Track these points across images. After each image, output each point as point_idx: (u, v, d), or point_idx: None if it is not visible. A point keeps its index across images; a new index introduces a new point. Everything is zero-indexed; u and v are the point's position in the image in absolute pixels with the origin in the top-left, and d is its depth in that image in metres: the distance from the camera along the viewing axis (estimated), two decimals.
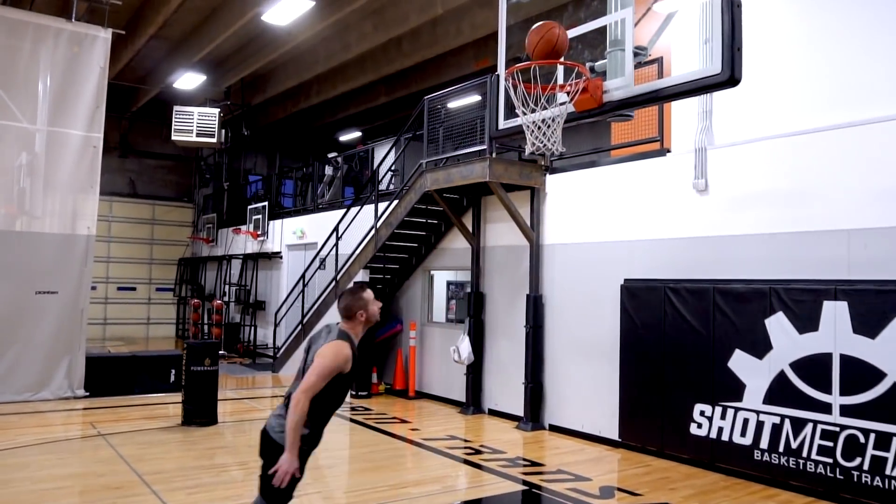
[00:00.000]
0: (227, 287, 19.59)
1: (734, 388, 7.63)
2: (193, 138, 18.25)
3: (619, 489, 7.02)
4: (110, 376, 11.67)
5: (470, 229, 11.26)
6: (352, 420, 10.29)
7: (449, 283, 13.29)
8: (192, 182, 24.14)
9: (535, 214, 10.19)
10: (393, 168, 14.78)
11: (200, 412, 9.45)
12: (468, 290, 12.85)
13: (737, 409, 7.60)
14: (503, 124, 5.78)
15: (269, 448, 4.06)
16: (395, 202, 11.80)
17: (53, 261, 11.14)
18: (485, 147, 9.88)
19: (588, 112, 4.91)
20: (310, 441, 4.11)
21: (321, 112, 21.12)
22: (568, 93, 4.86)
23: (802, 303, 7.12)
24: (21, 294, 10.87)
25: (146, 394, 11.62)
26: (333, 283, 13.20)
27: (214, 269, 21.33)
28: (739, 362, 7.61)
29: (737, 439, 7.57)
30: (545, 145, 5.01)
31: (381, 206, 12.33)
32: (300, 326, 14.22)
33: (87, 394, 11.27)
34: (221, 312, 17.57)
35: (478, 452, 8.40)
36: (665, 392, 8.28)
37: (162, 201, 23.34)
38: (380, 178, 12.73)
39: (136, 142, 23.04)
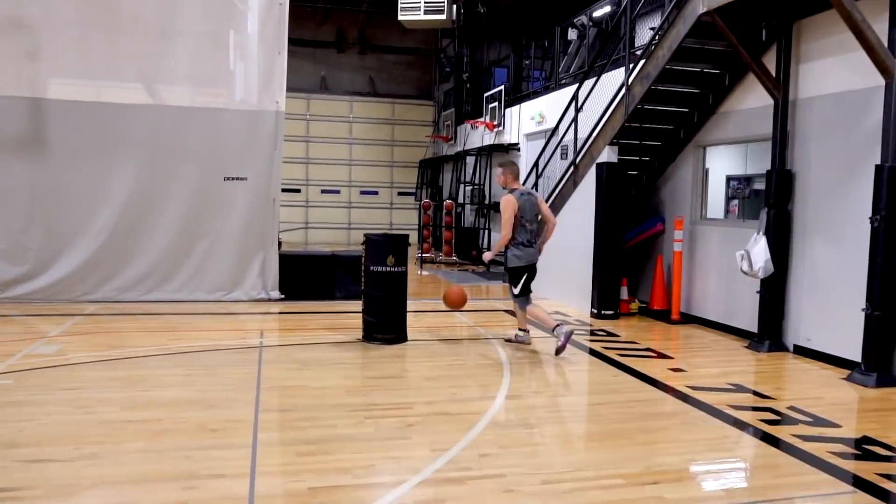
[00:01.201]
0: (462, 187, 17.46)
1: None
2: (421, 16, 16.05)
3: None
4: (308, 278, 10.07)
5: (773, 74, 7.34)
6: (586, 348, 7.35)
7: (729, 179, 9.39)
8: (433, 77, 22.23)
9: None
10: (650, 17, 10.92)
11: (383, 326, 7.21)
12: (756, 186, 8.92)
13: None
14: None
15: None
16: (653, 49, 8.20)
17: (240, 142, 9.56)
18: None
19: None
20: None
21: None
22: None
23: None
24: (208, 181, 9.48)
25: (348, 300, 9.81)
26: (572, 167, 10.08)
27: (451, 169, 19.36)
28: None
29: None
30: None
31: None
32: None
33: (283, 296, 9.75)
34: (452, 213, 15.48)
35: (785, 421, 4.99)
36: None
37: (402, 99, 21.81)
38: (625, 18, 9.15)
39: (375, 36, 21.57)
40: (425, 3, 15.71)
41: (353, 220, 21.49)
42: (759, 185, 9.02)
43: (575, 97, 10.08)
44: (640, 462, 4.14)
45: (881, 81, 6.18)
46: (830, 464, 4.22)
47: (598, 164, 9.17)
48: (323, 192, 21.18)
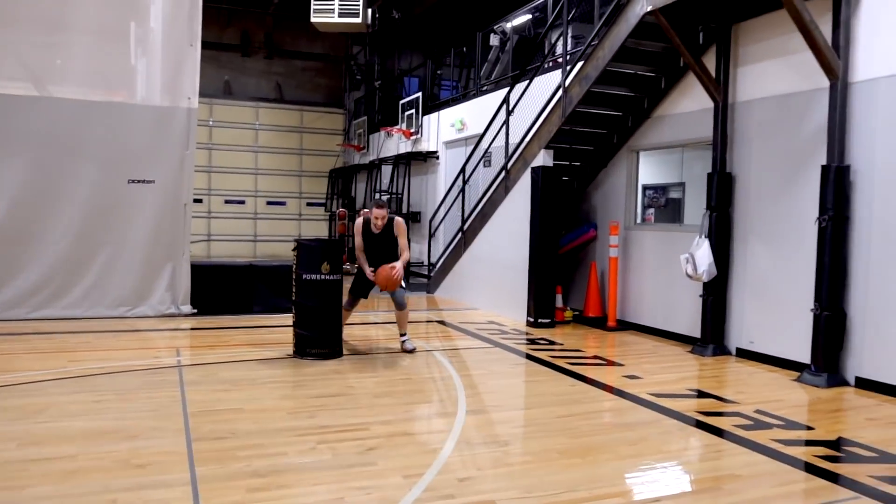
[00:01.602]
0: (378, 196, 16.90)
1: None
2: (336, 19, 15.41)
3: None
4: (223, 290, 9.23)
5: (713, 77, 7.31)
6: (533, 358, 7.01)
7: (645, 188, 9.34)
8: (343, 85, 21.59)
9: (840, 32, 6.05)
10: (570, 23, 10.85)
11: (317, 340, 6.58)
12: (671, 195, 8.95)
13: None
14: None
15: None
16: (593, 50, 8.05)
17: (147, 142, 8.66)
18: None
19: None
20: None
21: None
22: None
23: None
24: (109, 183, 8.52)
25: (268, 313, 9.07)
26: (504, 172, 9.80)
27: (365, 178, 18.77)
28: None
29: None
30: None
31: (558, 75, 8.65)
32: (461, 234, 11.08)
33: (195, 311, 8.89)
34: None
35: (758, 426, 4.80)
36: None
37: (311, 107, 20.98)
38: (564, 20, 8.99)
39: (283, 41, 20.71)
40: (340, 5, 15.13)
41: (260, 232, 20.43)
42: (675, 194, 9.05)
43: (506, 100, 9.82)
44: (632, 476, 3.81)
45: (822, 83, 6.23)
46: (821, 468, 4.03)
47: (533, 168, 8.92)
48: (227, 202, 20.02)
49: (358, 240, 6.99)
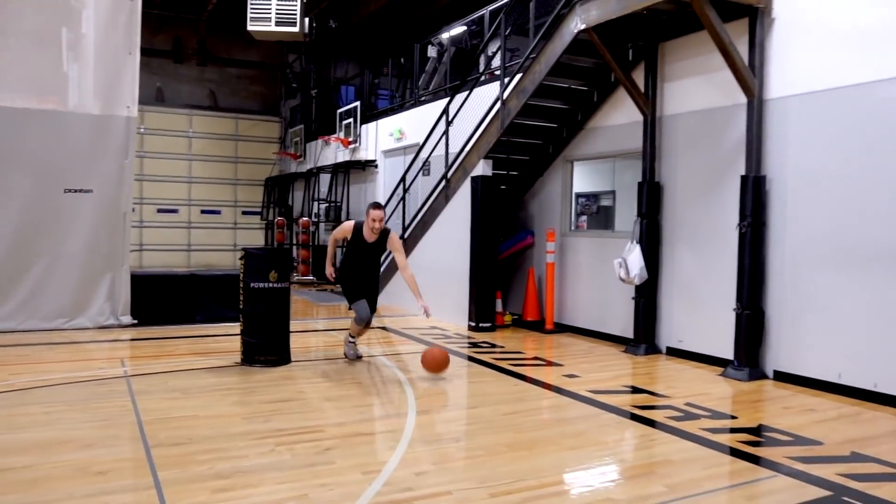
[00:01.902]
0: (316, 205, 16.94)
1: None
2: (272, 28, 15.37)
3: None
4: (164, 301, 9.14)
5: (642, 91, 7.77)
6: (477, 360, 7.27)
7: (578, 196, 9.78)
8: (279, 93, 21.49)
9: (756, 53, 6.58)
10: (508, 38, 11.23)
11: (266, 347, 6.67)
12: (603, 202, 9.43)
13: None
14: None
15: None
16: (528, 66, 8.41)
17: (84, 150, 8.54)
18: None
19: None
20: (344, 276, 6.80)
21: (420, 1, 17.73)
22: None
23: None
24: (44, 192, 8.36)
25: (211, 322, 9.05)
26: (444, 181, 10.07)
27: (303, 186, 18.74)
28: None
29: None
30: None
31: (496, 87, 8.99)
32: (402, 242, 11.25)
33: (136, 322, 8.79)
34: (309, 232, 14.93)
35: (688, 417, 5.19)
36: None
37: (246, 114, 20.85)
38: (502, 36, 9.34)
39: (216, 48, 20.49)
40: (277, 14, 15.13)
41: (194, 242, 20.12)
42: (607, 202, 9.54)
43: (446, 111, 10.10)
44: (576, 466, 4.10)
45: (741, 100, 6.74)
46: (744, 452, 4.42)
47: (472, 178, 9.21)
48: (159, 211, 19.65)
49: (331, 247, 6.91)
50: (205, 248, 20.08)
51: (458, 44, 13.54)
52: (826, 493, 3.75)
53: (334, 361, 7.10)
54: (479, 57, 10.62)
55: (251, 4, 15.24)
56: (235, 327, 8.22)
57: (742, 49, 6.61)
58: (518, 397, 5.81)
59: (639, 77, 7.88)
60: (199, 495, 3.52)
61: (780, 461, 4.23)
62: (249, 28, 15.33)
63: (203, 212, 20.23)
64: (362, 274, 6.70)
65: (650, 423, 5.07)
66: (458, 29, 13.26)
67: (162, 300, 9.15)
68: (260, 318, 6.64)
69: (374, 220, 6.49)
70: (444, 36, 13.41)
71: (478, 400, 5.84)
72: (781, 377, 6.47)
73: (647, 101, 7.70)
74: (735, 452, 4.42)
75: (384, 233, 6.63)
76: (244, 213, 20.82)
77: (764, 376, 6.58)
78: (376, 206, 6.57)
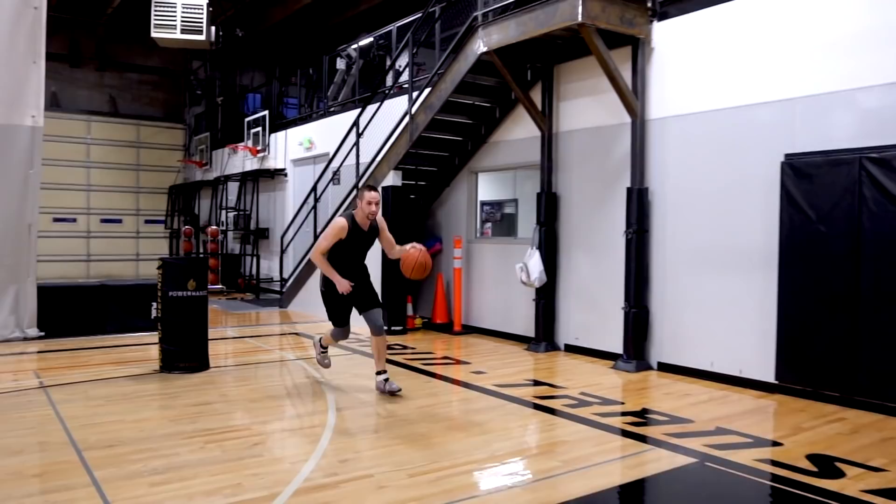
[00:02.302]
0: (223, 213, 16.87)
1: None
2: (177, 35, 15.22)
3: (841, 460, 4.42)
4: (73, 312, 9.05)
5: (540, 109, 8.44)
6: (390, 361, 7.66)
7: (483, 204, 10.41)
8: (182, 100, 21.15)
9: (638, 78, 7.35)
10: (418, 61, 11.75)
11: (185, 354, 6.84)
12: (506, 210, 10.12)
13: None
14: None
15: (333, 292, 5.89)
16: (435, 83, 8.94)
17: None
18: None
19: None
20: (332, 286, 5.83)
21: (326, 12, 18.00)
22: None
23: None
24: None
25: (122, 332, 9.04)
26: (355, 190, 10.43)
27: (209, 195, 18.57)
28: None
29: None
30: None
31: (404, 100, 9.48)
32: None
33: (42, 334, 8.68)
34: (217, 241, 14.89)
35: (582, 404, 5.81)
36: (860, 314, 5.62)
37: (148, 121, 20.39)
38: (409, 54, 9.83)
39: (116, 52, 19.96)
40: (182, 21, 15.00)
41: (93, 252, 19.48)
42: (509, 210, 10.21)
43: (356, 124, 10.48)
44: (484, 449, 4.59)
45: (626, 119, 7.50)
46: (629, 431, 5.06)
47: (383, 188, 9.64)
48: (55, 220, 18.88)
49: (325, 244, 5.74)
50: (105, 258, 19.50)
51: (367, 56, 13.92)
52: (693, 460, 4.42)
53: (253, 367, 7.34)
54: (389, 72, 11.04)
55: (155, 11, 15.02)
56: (149, 336, 8.36)
57: (626, 74, 7.37)
58: (430, 393, 6.28)
59: (536, 96, 8.55)
60: (138, 489, 3.78)
61: (658, 437, 4.89)
62: (153, 35, 15.11)
63: (103, 221, 19.63)
64: (356, 276, 5.87)
65: (550, 410, 5.66)
66: (365, 40, 13.65)
67: (69, 311, 9.04)
68: (179, 325, 6.81)
69: (371, 204, 5.74)
70: (353, 46, 13.76)
71: (394, 396, 6.26)
72: (664, 368, 7.24)
73: (544, 119, 8.37)
74: (623, 433, 5.05)
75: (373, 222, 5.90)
76: (147, 221, 20.34)
77: (649, 367, 7.34)
78: (371, 187, 5.86)
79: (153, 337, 8.44)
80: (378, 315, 6.00)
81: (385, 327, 9.49)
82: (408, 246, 5.87)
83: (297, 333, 9.70)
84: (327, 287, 5.91)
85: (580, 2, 6.70)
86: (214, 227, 14.98)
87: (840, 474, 4.18)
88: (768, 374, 6.29)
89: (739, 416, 5.50)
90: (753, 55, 6.51)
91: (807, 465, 4.34)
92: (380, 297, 6.20)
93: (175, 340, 6.81)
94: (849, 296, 5.69)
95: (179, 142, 21.00)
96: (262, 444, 4.60)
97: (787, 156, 6.15)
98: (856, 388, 5.68)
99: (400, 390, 5.96)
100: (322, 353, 6.56)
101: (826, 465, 4.33)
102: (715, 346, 6.80)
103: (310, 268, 11.67)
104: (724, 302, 6.72)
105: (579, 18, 6.71)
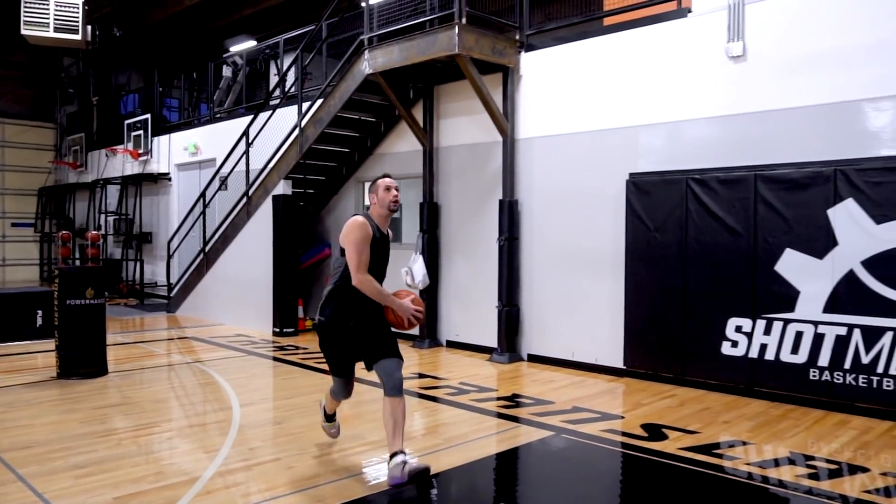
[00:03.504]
0: (103, 217, 16.51)
1: (783, 297, 6.21)
2: (50, 33, 14.77)
3: (667, 427, 5.47)
4: None
5: (421, 126, 9.21)
6: (284, 360, 8.21)
7: (367, 208, 11.05)
8: (53, 97, 20.32)
9: (508, 102, 8.28)
10: (306, 70, 12.24)
11: (84, 360, 7.07)
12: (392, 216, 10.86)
13: (787, 322, 6.20)
14: None
15: (337, 331, 4.42)
16: (325, 97, 9.51)
17: None
18: (452, 10, 7.72)
19: None
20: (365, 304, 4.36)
21: (208, 14, 17.97)
22: None
23: (882, 185, 5.71)
24: None
25: (6, 341, 8.97)
26: (245, 199, 10.80)
27: (86, 198, 18.05)
28: (791, 264, 6.17)
29: (786, 357, 6.19)
30: None
31: (293, 111, 10.00)
32: (203, 256, 11.76)
33: None
34: (98, 246, 14.65)
35: (461, 392, 6.63)
36: (687, 307, 6.78)
37: (14, 119, 19.47)
38: (297, 67, 10.31)
39: None
40: (56, 19, 14.59)
41: None
42: (394, 216, 10.94)
43: (246, 134, 10.83)
44: (375, 433, 5.27)
45: (498, 138, 8.40)
46: (501, 413, 5.92)
47: (274, 196, 10.09)
48: None
49: (364, 253, 4.28)
50: None
51: (253, 64, 14.19)
52: (552, 433, 5.32)
53: (151, 370, 7.64)
54: (278, 84, 11.44)
55: (25, 7, 14.56)
56: (36, 344, 8.44)
57: (498, 98, 8.27)
58: (325, 388, 6.87)
59: (419, 113, 9.31)
60: (65, 482, 4.19)
61: (525, 417, 5.78)
62: (24, 32, 14.59)
63: None
64: (367, 308, 4.39)
65: (433, 399, 6.43)
66: (249, 42, 13.87)
67: None
68: (77, 333, 7.03)
69: (390, 190, 4.51)
70: (239, 49, 13.97)
71: (291, 392, 6.81)
72: (533, 358, 8.21)
73: (426, 135, 9.15)
74: (496, 415, 5.90)
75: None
76: (14, 224, 19.44)
77: (520, 359, 8.29)
78: (387, 176, 4.63)
79: (42, 345, 8.58)
80: (395, 367, 4.29)
81: (278, 329, 9.99)
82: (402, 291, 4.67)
83: (191, 338, 9.96)
84: (359, 317, 4.34)
85: (457, 34, 7.52)
86: (95, 233, 14.70)
87: (664, 437, 5.21)
88: (618, 361, 7.38)
89: (593, 397, 6.50)
90: (604, 87, 7.58)
91: (641, 432, 5.35)
92: (395, 342, 4.43)
93: (73, 347, 7.02)
94: (678, 292, 6.84)
95: (50, 141, 20.19)
96: (176, 439, 5.07)
97: (631, 174, 7.25)
98: (684, 370, 6.84)
99: (428, 468, 4.21)
100: (328, 423, 4.97)
101: (655, 432, 5.36)
102: (575, 338, 7.83)
103: (198, 274, 11.87)
104: (583, 299, 7.76)
105: (456, 49, 7.52)
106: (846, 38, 6.02)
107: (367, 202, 4.65)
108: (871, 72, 5.87)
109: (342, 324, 4.37)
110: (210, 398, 6.48)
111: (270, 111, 10.68)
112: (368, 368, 4.40)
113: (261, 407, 6.14)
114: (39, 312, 9.30)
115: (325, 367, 7.64)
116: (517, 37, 8.22)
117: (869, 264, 5.77)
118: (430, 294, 9.17)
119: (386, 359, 4.30)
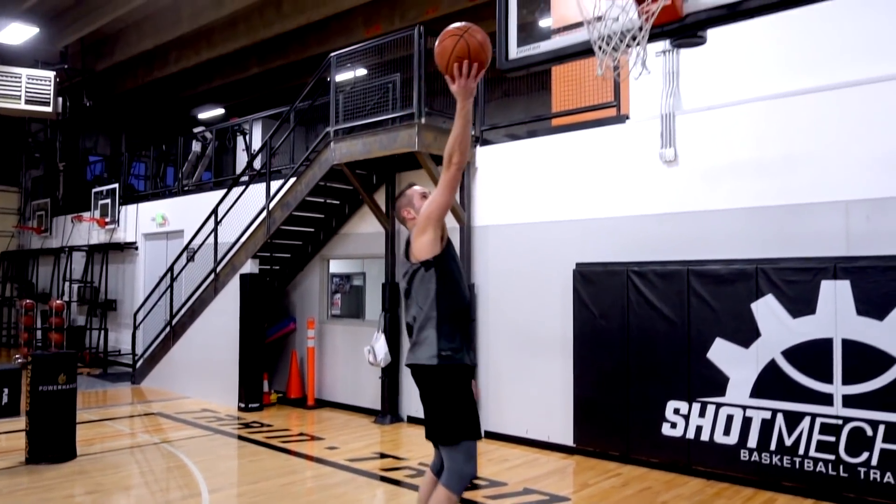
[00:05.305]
0: (67, 285, 16.60)
1: (715, 382, 6.78)
2: (22, 106, 15.15)
3: None
4: None
5: (383, 210, 9.75)
6: (249, 440, 8.48)
7: (332, 276, 11.56)
8: (19, 161, 20.48)
9: (464, 192, 8.88)
10: (273, 147, 12.76)
11: (54, 444, 7.27)
12: (354, 282, 11.33)
13: (718, 405, 6.76)
14: (517, 52, 4.39)
15: (428, 378, 3.74)
16: (292, 181, 10.02)
17: None
18: (412, 111, 8.37)
19: (662, 27, 3.68)
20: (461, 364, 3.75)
21: (179, 84, 18.53)
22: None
23: (796, 283, 6.37)
24: None
25: None
26: (213, 275, 11.15)
27: (49, 264, 18.11)
28: (721, 352, 6.76)
29: (719, 438, 6.73)
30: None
31: (261, 187, 10.50)
32: (169, 328, 12.00)
33: None
34: (62, 314, 14.74)
35: (421, 474, 7.00)
36: (630, 390, 7.31)
37: None
38: (265, 154, 10.83)
39: None
40: (28, 92, 14.94)
41: None
42: (357, 282, 11.40)
43: (215, 212, 11.25)
44: None
45: (457, 225, 8.96)
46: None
47: (242, 275, 10.47)
48: None
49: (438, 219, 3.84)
50: None
51: (223, 138, 14.69)
52: None
53: (118, 452, 7.85)
54: (248, 164, 11.92)
55: None
56: (4, 423, 8.59)
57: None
58: (290, 471, 7.19)
59: (381, 198, 9.86)
60: None
61: (479, 500, 6.17)
62: None
63: None
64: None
65: (395, 482, 6.79)
66: (217, 111, 14.37)
67: None
68: (48, 417, 7.24)
69: (426, 196, 4.05)
70: (207, 116, 14.45)
71: (258, 475, 7.09)
72: (490, 436, 8.60)
73: (388, 218, 9.69)
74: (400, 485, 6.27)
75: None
76: None
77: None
78: (414, 183, 4.33)
79: (7, 424, 8.72)
80: (473, 454, 3.68)
81: (243, 404, 10.24)
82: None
83: (158, 413, 10.14)
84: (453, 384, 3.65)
85: (416, 132, 8.13)
86: (60, 301, 14.80)
87: None
88: (569, 439, 7.83)
89: (544, 477, 6.92)
90: (552, 182, 8.23)
91: None
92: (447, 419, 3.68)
93: (44, 433, 7.22)
94: (621, 374, 7.37)
95: (13, 205, 20.26)
96: None
97: (578, 264, 7.84)
98: (629, 448, 7.33)
99: None
100: None
101: None
102: (529, 416, 8.28)
103: (164, 346, 12.08)
104: (536, 379, 8.24)
105: (416, 147, 8.13)
106: (764, 150, 6.76)
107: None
108: (785, 181, 6.60)
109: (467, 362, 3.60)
110: (180, 483, 6.73)
111: (241, 189, 11.13)
112: (441, 442, 3.53)
113: (229, 493, 6.42)
114: (6, 391, 9.43)
115: (290, 446, 7.99)
116: (472, 132, 8.87)
117: (788, 354, 6.39)
118: (392, 371, 9.57)
119: (470, 441, 3.55)
